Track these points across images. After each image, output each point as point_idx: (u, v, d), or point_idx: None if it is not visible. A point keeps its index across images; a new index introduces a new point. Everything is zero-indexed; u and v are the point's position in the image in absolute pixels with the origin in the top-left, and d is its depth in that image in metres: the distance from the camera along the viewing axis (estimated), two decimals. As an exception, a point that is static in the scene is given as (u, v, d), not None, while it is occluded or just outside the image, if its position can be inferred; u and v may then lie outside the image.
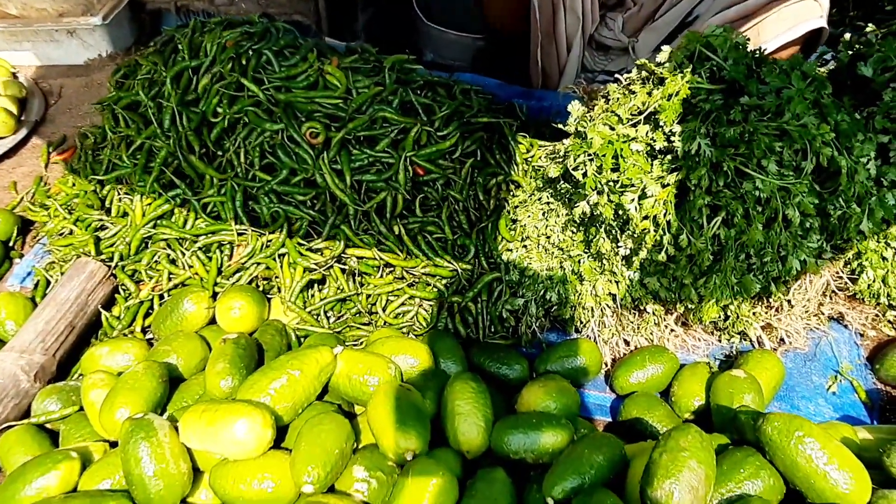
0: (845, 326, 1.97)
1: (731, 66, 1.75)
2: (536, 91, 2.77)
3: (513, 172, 2.14)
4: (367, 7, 3.42)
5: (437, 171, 2.04)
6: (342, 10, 3.26)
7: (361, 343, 1.92)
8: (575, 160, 1.72)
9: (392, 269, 1.99)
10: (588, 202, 1.71)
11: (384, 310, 1.97)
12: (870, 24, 2.04)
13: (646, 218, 1.68)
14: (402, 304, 1.97)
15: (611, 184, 1.69)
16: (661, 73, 1.79)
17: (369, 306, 1.98)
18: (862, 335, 1.97)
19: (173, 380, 1.71)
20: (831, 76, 1.91)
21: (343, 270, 1.97)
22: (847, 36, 1.99)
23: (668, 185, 1.66)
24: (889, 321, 1.93)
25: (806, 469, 1.37)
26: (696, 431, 1.40)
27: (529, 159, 2.18)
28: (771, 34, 2.56)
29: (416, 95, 2.10)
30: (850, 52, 1.95)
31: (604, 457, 1.46)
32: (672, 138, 1.67)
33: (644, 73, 1.93)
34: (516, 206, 2.08)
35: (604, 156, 1.69)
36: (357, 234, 1.98)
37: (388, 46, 3.73)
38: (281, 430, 1.54)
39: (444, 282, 2.00)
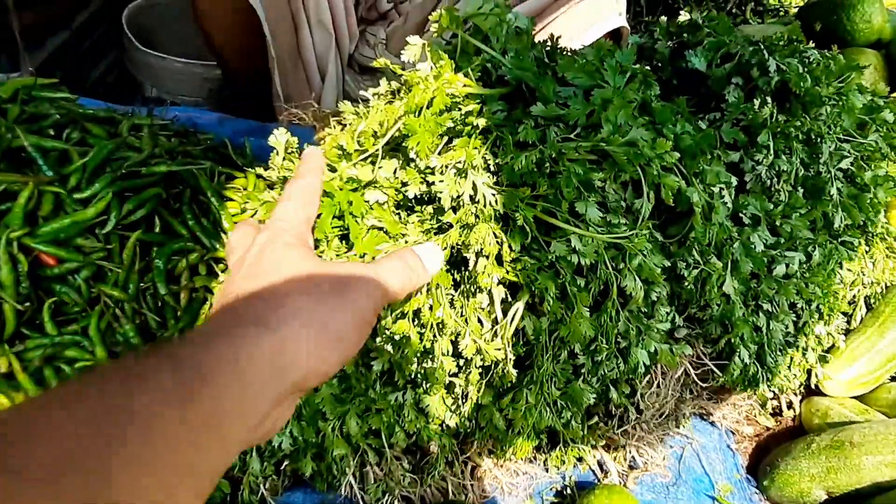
0: (712, 423, 1.39)
1: (512, 60, 1.12)
2: (274, 125, 2.03)
3: (218, 245, 1.37)
4: (45, 35, 2.53)
5: (76, 258, 1.23)
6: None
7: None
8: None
9: None
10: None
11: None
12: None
13: (402, 317, 0.99)
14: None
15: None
16: (411, 78, 1.12)
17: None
18: (734, 433, 1.40)
19: None
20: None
21: None
22: (663, 19, 1.44)
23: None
24: (769, 412, 1.38)
25: None
26: None
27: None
28: (563, 37, 2.05)
29: (38, 137, 1.29)
30: (671, 42, 1.40)
31: None
32: (430, 178, 1.00)
33: (395, 84, 1.26)
34: (221, 300, 1.31)
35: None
36: (-77, 383, 1.12)
37: (93, 84, 2.87)
38: None
39: (101, 441, 1.18)
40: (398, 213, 1.08)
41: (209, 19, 2.17)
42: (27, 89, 1.43)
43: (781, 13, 2.59)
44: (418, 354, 1.02)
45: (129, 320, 1.26)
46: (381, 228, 1.03)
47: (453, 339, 1.01)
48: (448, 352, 1.03)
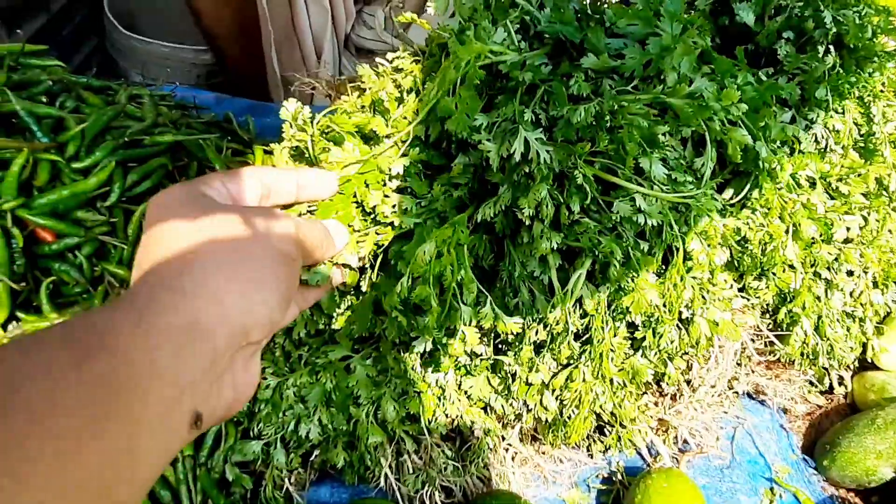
0: (762, 403, 1.31)
1: (552, 13, 1.02)
2: (275, 104, 1.92)
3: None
4: (22, 16, 2.39)
5: (77, 233, 1.12)
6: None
7: None
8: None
9: None
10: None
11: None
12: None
13: (420, 281, 0.89)
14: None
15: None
16: (440, 36, 1.03)
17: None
18: (786, 411, 1.32)
19: None
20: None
21: None
22: (703, -26, 1.35)
23: (455, 222, 0.89)
24: (819, 390, 1.30)
25: None
26: None
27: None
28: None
29: (31, 103, 1.17)
30: (711, -1, 1.31)
31: None
32: (474, 136, 0.90)
33: (416, 46, 1.17)
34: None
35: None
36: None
37: (74, 72, 2.73)
38: None
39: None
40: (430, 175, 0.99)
41: (200, -4, 2.05)
42: (13, 55, 1.31)
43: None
44: (439, 324, 0.93)
45: (136, 302, 1.14)
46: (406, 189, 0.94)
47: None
48: (471, 322, 0.93)
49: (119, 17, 2.57)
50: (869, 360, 1.31)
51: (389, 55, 1.18)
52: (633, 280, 0.92)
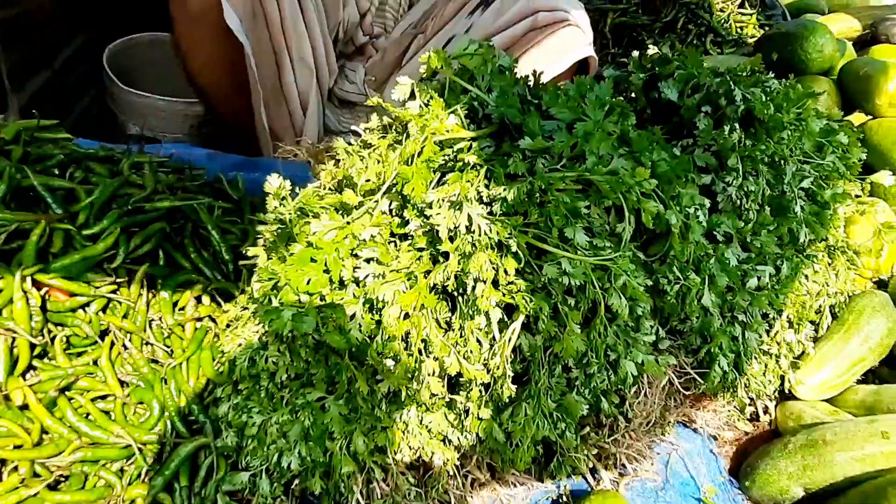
0: (695, 430, 1.47)
1: (497, 98, 1.20)
2: (263, 160, 2.09)
3: (219, 276, 1.43)
4: (30, 72, 2.57)
5: (87, 292, 1.28)
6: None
7: None
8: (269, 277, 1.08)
9: (15, 464, 1.19)
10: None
11: (7, 538, 1.16)
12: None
13: (390, 339, 1.06)
14: (42, 520, 1.18)
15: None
16: (403, 115, 1.21)
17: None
18: (716, 438, 1.48)
19: None
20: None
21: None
22: (636, 54, 1.54)
23: (419, 288, 1.06)
24: (747, 417, 1.47)
25: None
26: None
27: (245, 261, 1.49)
28: (534, 69, 2.14)
29: (45, 177, 1.34)
30: (644, 75, 1.50)
31: None
32: (427, 211, 1.07)
33: (386, 120, 1.35)
34: (226, 328, 1.37)
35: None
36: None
37: (74, 122, 2.90)
38: None
39: (114, 468, 1.24)
40: (393, 242, 1.16)
41: (193, 57, 2.22)
42: (29, 131, 1.48)
43: (740, 44, 2.72)
44: (409, 374, 1.10)
45: (138, 351, 1.31)
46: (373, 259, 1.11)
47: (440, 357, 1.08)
48: (435, 372, 1.10)
49: (118, 73, 2.74)
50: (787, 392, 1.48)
51: (362, 125, 1.37)
52: (562, 330, 1.09)
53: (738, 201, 1.35)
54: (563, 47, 2.17)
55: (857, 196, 1.72)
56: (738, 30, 2.88)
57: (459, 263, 1.06)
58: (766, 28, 2.74)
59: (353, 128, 2.06)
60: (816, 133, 1.45)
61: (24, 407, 1.22)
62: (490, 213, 1.09)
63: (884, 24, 2.35)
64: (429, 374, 1.09)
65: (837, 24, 2.60)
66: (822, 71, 2.01)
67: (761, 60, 1.58)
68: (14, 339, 1.21)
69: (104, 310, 1.31)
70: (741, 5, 2.97)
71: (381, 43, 2.60)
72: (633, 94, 1.48)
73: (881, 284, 1.70)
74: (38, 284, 1.25)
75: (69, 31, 2.79)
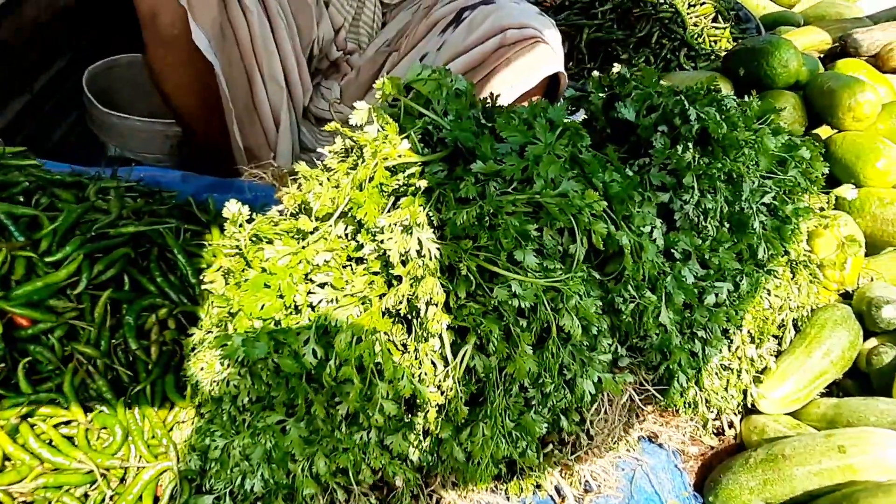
0: (660, 445, 1.48)
1: (452, 122, 1.22)
2: (237, 181, 2.10)
3: (185, 300, 1.44)
4: (8, 97, 2.59)
5: (49, 319, 1.29)
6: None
7: None
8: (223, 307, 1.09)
9: (-23, 494, 1.20)
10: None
11: (-31, 567, 1.16)
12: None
13: (344, 363, 1.07)
14: (3, 549, 1.19)
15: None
16: (360, 139, 1.22)
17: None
18: (681, 453, 1.49)
19: None
20: (585, 126, 1.44)
21: None
22: (596, 74, 1.56)
23: (371, 313, 1.07)
24: (712, 432, 1.48)
25: None
26: None
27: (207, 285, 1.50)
28: (504, 86, 2.16)
29: (9, 204, 1.35)
30: (603, 94, 1.52)
31: None
32: (379, 236, 1.09)
33: (348, 143, 1.36)
34: (190, 353, 1.38)
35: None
36: None
37: (55, 145, 2.92)
38: None
39: (77, 493, 1.25)
40: (349, 265, 1.17)
41: (165, 79, 2.24)
42: (-8, 157, 1.50)
43: (713, 58, 2.75)
44: (365, 397, 1.11)
45: (101, 376, 1.32)
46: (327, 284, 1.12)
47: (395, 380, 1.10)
48: (388, 395, 1.11)
49: (97, 95, 2.76)
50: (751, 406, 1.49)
51: (327, 148, 1.39)
52: (514, 351, 1.10)
53: (696, 219, 1.37)
54: (534, 64, 2.19)
55: (821, 209, 1.73)
56: (712, 44, 2.92)
57: (412, 287, 1.08)
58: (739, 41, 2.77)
59: (318, 150, 2.08)
60: (775, 149, 1.47)
61: (-14, 435, 1.23)
62: (441, 237, 1.10)
63: (851, 38, 2.38)
64: (382, 398, 1.09)
65: (808, 37, 2.63)
66: (787, 85, 2.04)
67: (727, 75, 1.60)
68: (-25, 366, 1.22)
69: (67, 336, 1.32)
70: (714, 20, 3.00)
71: (356, 60, 2.62)
72: (593, 114, 1.50)
73: (847, 296, 1.72)
74: (0, 312, 1.26)
75: (47, 56, 2.81)
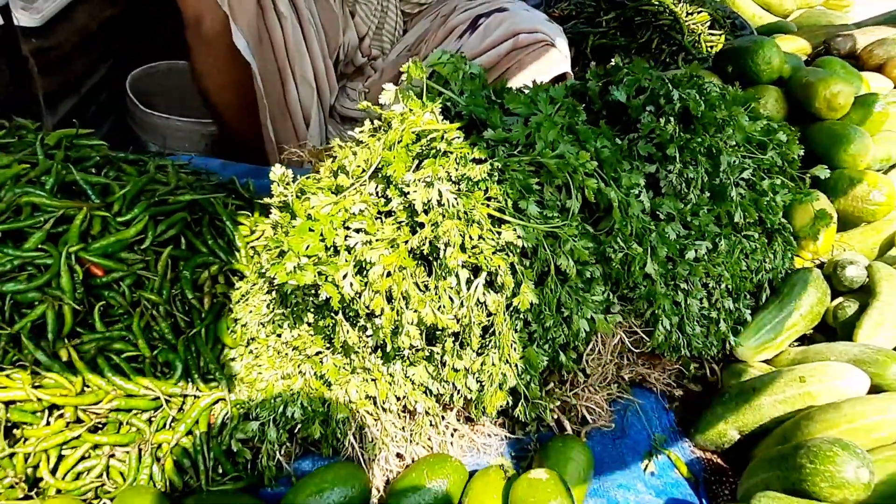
0: (650, 390, 1.68)
1: (467, 98, 1.44)
2: (270, 168, 2.33)
3: (233, 260, 1.66)
4: (59, 98, 2.84)
5: (121, 268, 1.51)
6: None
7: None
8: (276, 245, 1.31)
9: (61, 410, 1.41)
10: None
11: (54, 472, 1.37)
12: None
13: (376, 294, 1.27)
14: (83, 457, 1.39)
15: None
16: (388, 115, 1.44)
17: (28, 471, 1.36)
18: (669, 396, 1.68)
19: None
20: (585, 109, 1.65)
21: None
22: (593, 65, 1.78)
23: (399, 252, 1.27)
24: (693, 379, 1.67)
25: None
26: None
27: (256, 242, 1.72)
28: (516, 85, 2.38)
29: (85, 174, 1.58)
30: (600, 82, 1.73)
31: None
32: (406, 189, 1.30)
33: (376, 123, 1.57)
34: (238, 301, 1.59)
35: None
36: (2, 370, 1.38)
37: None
38: None
39: (144, 416, 1.45)
40: (379, 218, 1.38)
41: (206, 78, 2.48)
42: (69, 138, 1.72)
43: (709, 61, 2.96)
44: (393, 326, 1.31)
45: (164, 319, 1.53)
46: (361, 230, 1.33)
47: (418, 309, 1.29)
48: (413, 322, 1.30)
49: (139, 97, 3.01)
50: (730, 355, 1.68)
51: (357, 130, 1.60)
52: (519, 286, 1.30)
53: (679, 186, 1.57)
54: (543, 65, 2.41)
55: (797, 188, 1.92)
56: (709, 49, 3.13)
57: (432, 231, 1.28)
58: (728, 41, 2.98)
59: (349, 133, 2.30)
60: (745, 127, 1.67)
61: (69, 364, 1.44)
62: (458, 190, 1.31)
63: (834, 40, 2.58)
64: (409, 324, 1.29)
65: (795, 43, 2.83)
66: (771, 81, 2.24)
67: (717, 72, 1.80)
68: (60, 305, 1.44)
69: (135, 284, 1.53)
70: (711, 27, 3.22)
71: (379, 64, 2.86)
72: (591, 99, 1.71)
73: (821, 266, 1.90)
74: (80, 261, 1.48)
75: (93, 62, 3.06)
